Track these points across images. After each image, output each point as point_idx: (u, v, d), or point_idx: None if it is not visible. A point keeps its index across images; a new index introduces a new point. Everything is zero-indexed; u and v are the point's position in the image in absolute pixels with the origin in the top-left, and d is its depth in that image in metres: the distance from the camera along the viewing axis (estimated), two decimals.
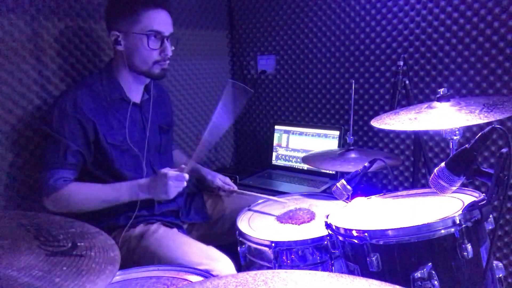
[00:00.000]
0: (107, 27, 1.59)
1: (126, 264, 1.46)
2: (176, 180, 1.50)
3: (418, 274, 0.95)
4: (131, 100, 1.64)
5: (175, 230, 1.64)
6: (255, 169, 2.55)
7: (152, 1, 1.53)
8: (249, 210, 1.62)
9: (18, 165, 1.62)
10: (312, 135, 2.40)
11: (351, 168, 1.54)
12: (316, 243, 1.30)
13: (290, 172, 2.42)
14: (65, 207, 1.50)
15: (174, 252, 1.46)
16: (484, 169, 0.99)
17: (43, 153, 1.54)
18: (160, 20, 1.55)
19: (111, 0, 1.57)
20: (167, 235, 1.56)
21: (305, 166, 2.37)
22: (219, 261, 1.43)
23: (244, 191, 1.84)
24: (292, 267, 1.31)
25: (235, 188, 1.88)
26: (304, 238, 1.30)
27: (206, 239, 1.83)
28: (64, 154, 1.50)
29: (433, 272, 0.95)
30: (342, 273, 1.02)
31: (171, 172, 1.50)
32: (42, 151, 1.55)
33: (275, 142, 2.54)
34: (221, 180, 1.90)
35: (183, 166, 1.56)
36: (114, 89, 1.60)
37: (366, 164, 1.39)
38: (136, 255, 1.52)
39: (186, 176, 1.53)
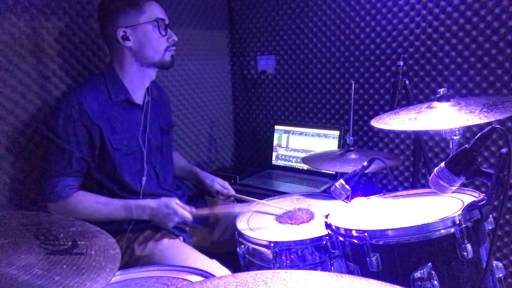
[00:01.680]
0: (107, 28, 1.56)
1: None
2: (181, 219, 1.56)
3: (418, 274, 0.94)
4: (135, 102, 1.64)
5: (178, 240, 1.63)
6: (255, 169, 2.55)
7: None
8: (249, 210, 1.62)
9: (18, 165, 1.62)
10: (312, 135, 2.40)
11: (351, 169, 1.54)
12: (315, 243, 1.29)
13: (290, 172, 2.42)
14: (71, 215, 1.48)
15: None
16: (484, 169, 0.99)
17: (47, 159, 1.52)
18: (160, 10, 1.61)
19: (110, 0, 1.56)
20: (171, 246, 1.56)
21: (305, 166, 2.37)
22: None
23: (243, 196, 1.82)
24: (291, 267, 1.31)
25: (233, 193, 1.87)
26: (303, 238, 1.30)
27: (207, 243, 1.85)
28: (69, 161, 1.49)
29: (433, 272, 0.94)
30: (342, 273, 1.02)
31: (181, 210, 1.54)
32: (46, 156, 1.53)
33: (275, 142, 2.54)
34: (219, 184, 1.89)
35: (194, 209, 1.59)
36: (119, 90, 1.59)
37: (364, 163, 1.39)
38: (139, 264, 1.51)
39: (191, 219, 1.58)
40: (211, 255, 1.55)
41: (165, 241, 1.58)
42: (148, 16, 1.55)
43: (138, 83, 1.64)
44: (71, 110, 1.48)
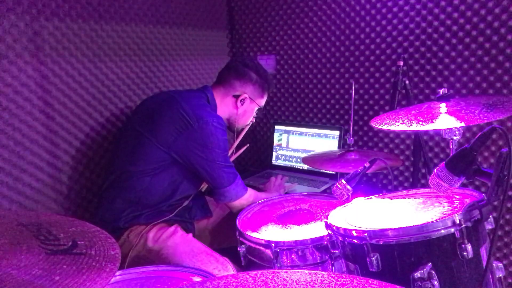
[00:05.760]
0: (236, 82, 1.79)
1: (137, 261, 1.54)
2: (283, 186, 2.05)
3: (418, 274, 0.94)
4: None
5: (190, 235, 1.68)
6: (255, 169, 2.55)
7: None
8: (249, 209, 1.62)
9: (21, 166, 1.62)
10: (312, 135, 2.40)
11: (351, 169, 1.54)
12: (316, 243, 1.29)
13: (290, 172, 2.42)
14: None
15: (189, 260, 1.52)
16: (484, 169, 0.99)
17: (217, 175, 1.67)
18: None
19: (259, 73, 1.82)
20: (183, 241, 1.60)
21: (305, 166, 2.37)
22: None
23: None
24: (292, 267, 1.31)
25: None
26: (304, 238, 1.30)
27: (207, 240, 1.86)
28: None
29: (433, 272, 0.94)
30: (342, 273, 1.02)
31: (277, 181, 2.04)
32: (212, 174, 1.66)
33: (275, 142, 2.54)
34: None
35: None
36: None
37: (366, 164, 1.39)
38: (151, 255, 1.56)
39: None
40: (219, 251, 1.60)
41: (178, 236, 1.62)
42: (261, 102, 1.88)
43: None
44: (223, 124, 1.67)
